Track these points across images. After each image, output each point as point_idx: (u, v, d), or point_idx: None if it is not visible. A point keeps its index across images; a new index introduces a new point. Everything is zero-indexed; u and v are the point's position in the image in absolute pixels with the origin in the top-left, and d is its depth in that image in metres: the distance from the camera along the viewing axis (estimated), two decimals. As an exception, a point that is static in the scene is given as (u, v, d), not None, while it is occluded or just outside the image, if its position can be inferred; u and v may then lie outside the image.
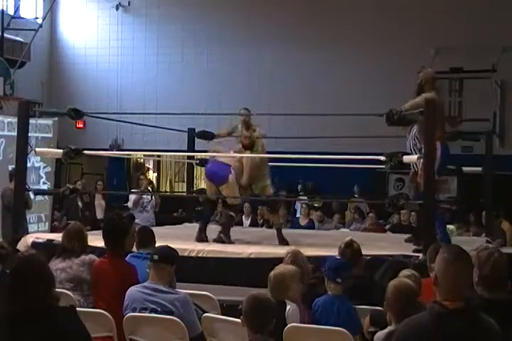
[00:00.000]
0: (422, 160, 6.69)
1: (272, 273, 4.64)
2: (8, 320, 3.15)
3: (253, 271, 6.16)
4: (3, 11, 14.94)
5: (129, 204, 11.32)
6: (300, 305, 4.62)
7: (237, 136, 9.38)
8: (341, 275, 4.63)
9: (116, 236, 5.24)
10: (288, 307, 4.49)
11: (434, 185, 6.67)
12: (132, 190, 11.33)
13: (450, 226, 10.20)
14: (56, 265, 5.27)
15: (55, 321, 3.14)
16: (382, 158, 6.85)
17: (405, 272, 4.94)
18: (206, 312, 5.00)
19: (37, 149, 8.83)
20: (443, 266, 3.00)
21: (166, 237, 7.09)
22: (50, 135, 12.07)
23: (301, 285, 4.71)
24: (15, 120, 8.99)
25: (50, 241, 7.20)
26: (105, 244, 5.36)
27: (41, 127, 11.74)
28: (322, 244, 7.41)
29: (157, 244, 5.56)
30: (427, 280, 4.64)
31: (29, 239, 7.34)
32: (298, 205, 13.58)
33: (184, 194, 12.02)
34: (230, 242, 7.52)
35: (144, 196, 11.42)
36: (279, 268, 4.70)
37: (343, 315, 4.56)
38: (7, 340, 3.13)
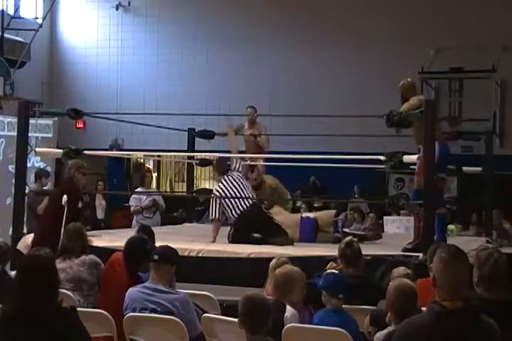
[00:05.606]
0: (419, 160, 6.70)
1: (280, 271, 4.59)
2: (9, 319, 3.15)
3: (253, 271, 6.15)
4: (3, 11, 14.91)
5: (139, 203, 10.64)
6: (301, 310, 4.57)
7: (243, 134, 9.47)
8: (342, 290, 4.55)
9: (137, 261, 5.24)
10: (287, 312, 4.44)
11: (434, 185, 6.67)
12: (139, 190, 11.10)
13: (450, 226, 10.21)
14: (56, 265, 5.27)
15: (56, 321, 3.14)
16: (382, 157, 6.85)
17: (400, 271, 4.92)
18: (206, 312, 5.00)
19: (37, 149, 8.83)
20: (440, 266, 3.00)
21: (166, 237, 7.10)
22: (50, 135, 12.05)
23: (303, 291, 4.64)
24: (15, 120, 8.97)
25: (50, 241, 7.19)
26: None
27: (41, 127, 11.72)
28: (323, 244, 7.41)
29: (157, 244, 5.56)
30: (421, 282, 4.64)
31: (29, 238, 7.34)
32: (298, 205, 13.56)
33: (184, 194, 12.01)
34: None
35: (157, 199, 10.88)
36: (288, 268, 4.64)
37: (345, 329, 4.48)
38: (7, 339, 3.13)
